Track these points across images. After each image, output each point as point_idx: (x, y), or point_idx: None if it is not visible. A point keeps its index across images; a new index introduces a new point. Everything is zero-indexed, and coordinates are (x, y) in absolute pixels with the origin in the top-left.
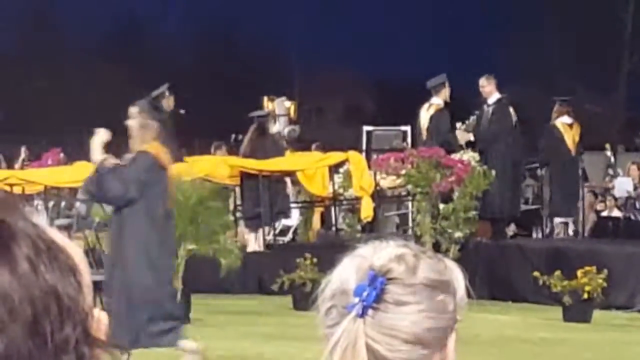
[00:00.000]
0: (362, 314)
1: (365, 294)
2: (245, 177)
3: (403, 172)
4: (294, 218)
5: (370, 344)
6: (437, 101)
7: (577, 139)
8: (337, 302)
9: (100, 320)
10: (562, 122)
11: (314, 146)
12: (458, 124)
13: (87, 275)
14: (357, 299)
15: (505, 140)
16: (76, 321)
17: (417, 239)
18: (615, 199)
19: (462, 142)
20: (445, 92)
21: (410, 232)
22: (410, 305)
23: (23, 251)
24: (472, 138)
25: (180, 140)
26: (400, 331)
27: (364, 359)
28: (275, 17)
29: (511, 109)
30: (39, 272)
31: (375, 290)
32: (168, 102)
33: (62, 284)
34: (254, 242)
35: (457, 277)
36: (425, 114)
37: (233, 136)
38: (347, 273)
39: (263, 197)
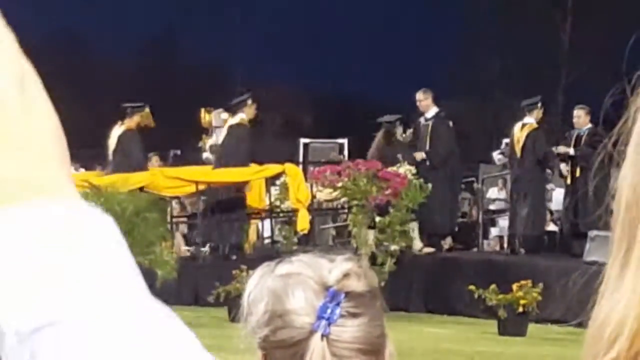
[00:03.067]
0: (328, 332)
1: (329, 311)
2: None
3: (339, 184)
4: None
5: None
6: (530, 120)
7: None
8: (283, 323)
9: None
10: None
11: None
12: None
13: None
14: (319, 318)
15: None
16: None
17: (355, 251)
18: (552, 213)
19: (417, 159)
20: (539, 112)
21: (353, 244)
22: (362, 316)
23: None
24: (424, 156)
25: None
26: (358, 342)
27: None
28: (215, 31)
29: (450, 123)
30: None
31: (338, 307)
32: (250, 110)
33: None
34: None
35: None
36: (520, 133)
37: (171, 152)
38: (286, 292)
39: None
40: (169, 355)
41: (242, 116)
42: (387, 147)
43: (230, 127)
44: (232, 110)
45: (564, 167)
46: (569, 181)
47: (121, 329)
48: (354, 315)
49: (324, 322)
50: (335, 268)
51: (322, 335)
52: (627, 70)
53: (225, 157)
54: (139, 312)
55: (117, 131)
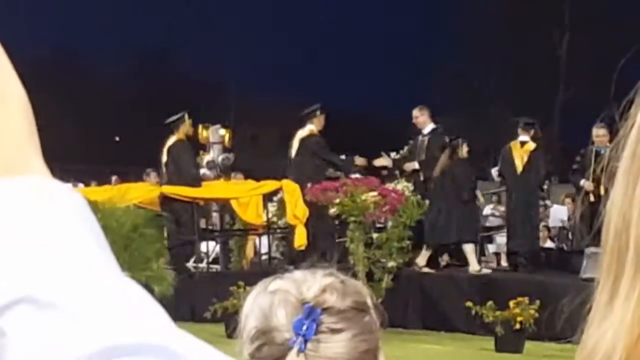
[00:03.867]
0: (304, 349)
1: (304, 328)
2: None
3: (337, 201)
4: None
5: None
6: (526, 139)
7: None
8: (266, 339)
9: None
10: None
11: (233, 174)
12: (392, 154)
13: None
14: (296, 334)
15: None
16: None
17: (352, 267)
18: (549, 230)
19: (407, 170)
20: (535, 132)
21: (350, 260)
22: (345, 331)
23: None
24: (416, 166)
25: (114, 167)
26: (339, 358)
27: None
28: (212, 46)
29: (447, 139)
30: None
31: (314, 323)
32: (319, 121)
33: None
34: None
35: (368, 295)
36: (521, 151)
37: None
38: (271, 309)
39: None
40: (141, 328)
41: (311, 127)
42: (451, 165)
43: (302, 139)
44: (301, 122)
45: (587, 183)
46: (592, 198)
47: (92, 304)
48: (334, 331)
49: (300, 339)
50: (314, 284)
51: (299, 352)
52: (616, 94)
53: (300, 169)
54: (107, 287)
55: (168, 143)
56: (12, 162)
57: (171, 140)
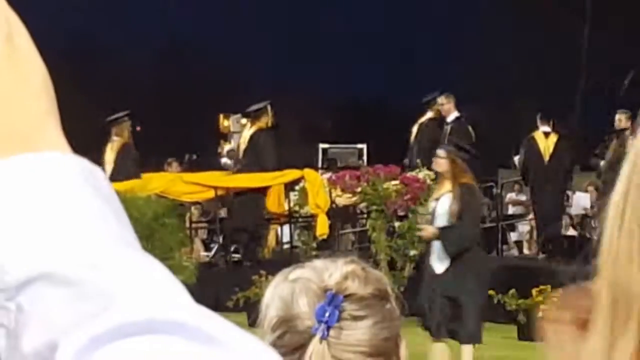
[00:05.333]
0: (327, 335)
1: (327, 314)
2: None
3: (359, 189)
4: None
5: None
6: (548, 129)
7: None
8: (288, 327)
9: None
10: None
11: None
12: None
13: None
14: (318, 321)
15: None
16: None
17: (374, 256)
18: (571, 218)
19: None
20: (552, 123)
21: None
22: (367, 319)
23: None
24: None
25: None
26: (361, 346)
27: None
28: (232, 36)
29: (470, 128)
30: None
31: (336, 310)
32: (439, 109)
33: None
34: None
35: (388, 283)
36: (546, 142)
37: (187, 156)
38: (292, 297)
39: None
40: (161, 305)
41: (430, 114)
42: (620, 154)
43: (420, 124)
44: (421, 109)
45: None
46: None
47: (112, 280)
48: (356, 318)
49: (322, 326)
50: (336, 271)
51: (321, 339)
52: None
53: (416, 152)
54: (128, 263)
55: (247, 132)
56: (29, 137)
57: (252, 129)
